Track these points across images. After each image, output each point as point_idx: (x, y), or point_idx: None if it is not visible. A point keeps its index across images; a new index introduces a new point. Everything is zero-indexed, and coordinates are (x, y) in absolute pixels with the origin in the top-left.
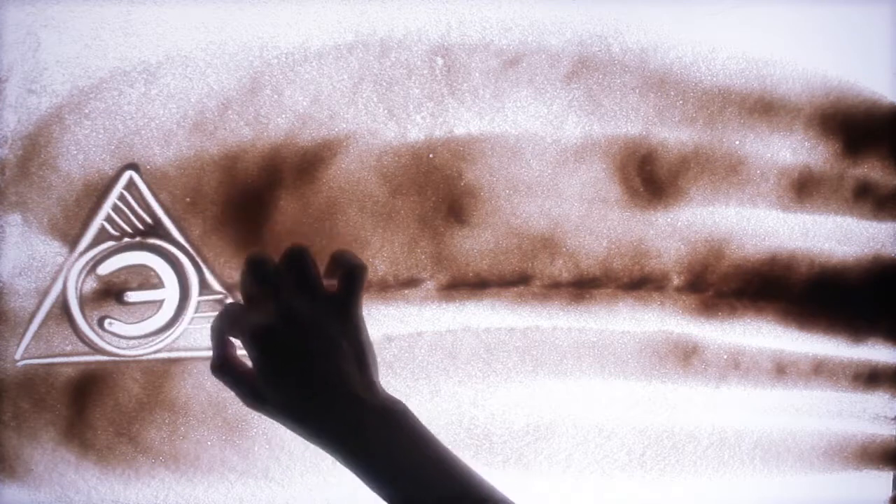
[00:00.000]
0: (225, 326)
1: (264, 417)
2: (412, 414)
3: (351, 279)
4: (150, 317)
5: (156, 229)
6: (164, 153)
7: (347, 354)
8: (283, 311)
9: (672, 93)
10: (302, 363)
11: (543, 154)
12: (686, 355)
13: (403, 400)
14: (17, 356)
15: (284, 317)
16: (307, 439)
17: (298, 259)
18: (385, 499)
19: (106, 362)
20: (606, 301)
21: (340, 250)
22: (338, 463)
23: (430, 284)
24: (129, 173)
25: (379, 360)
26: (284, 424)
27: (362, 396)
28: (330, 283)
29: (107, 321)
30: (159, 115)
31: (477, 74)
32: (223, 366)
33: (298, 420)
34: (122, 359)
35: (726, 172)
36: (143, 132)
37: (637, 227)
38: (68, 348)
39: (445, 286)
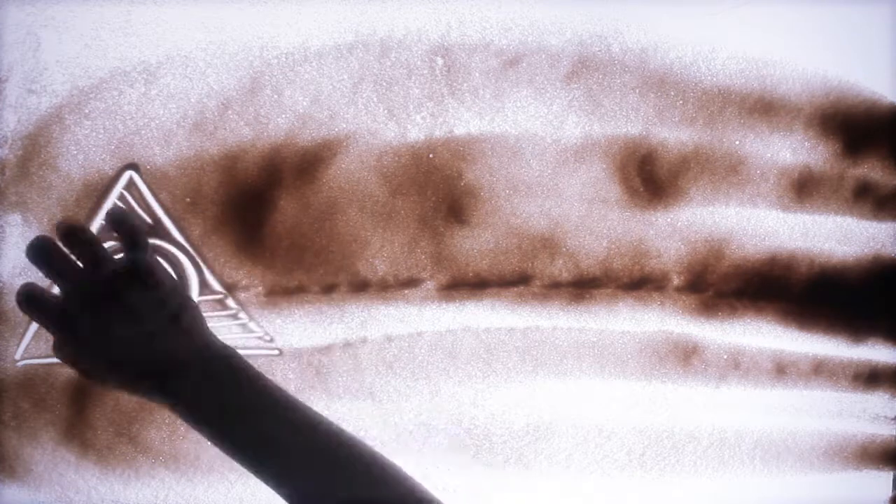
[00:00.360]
0: (26, 309)
1: None
2: (241, 359)
3: (130, 239)
4: None
5: (156, 229)
6: (164, 153)
7: (150, 314)
8: (69, 294)
9: (672, 93)
10: (100, 337)
11: (543, 154)
12: (686, 355)
13: (404, 400)
14: (17, 356)
15: (73, 298)
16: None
17: (75, 237)
18: (246, 463)
19: None
20: (606, 301)
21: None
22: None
23: (430, 284)
24: (129, 173)
25: (379, 360)
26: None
27: (172, 346)
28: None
29: None
30: (159, 115)
31: (477, 74)
32: (32, 304)
33: (122, 387)
34: None
35: (726, 172)
36: (143, 132)
37: (637, 227)
38: None
39: (445, 286)
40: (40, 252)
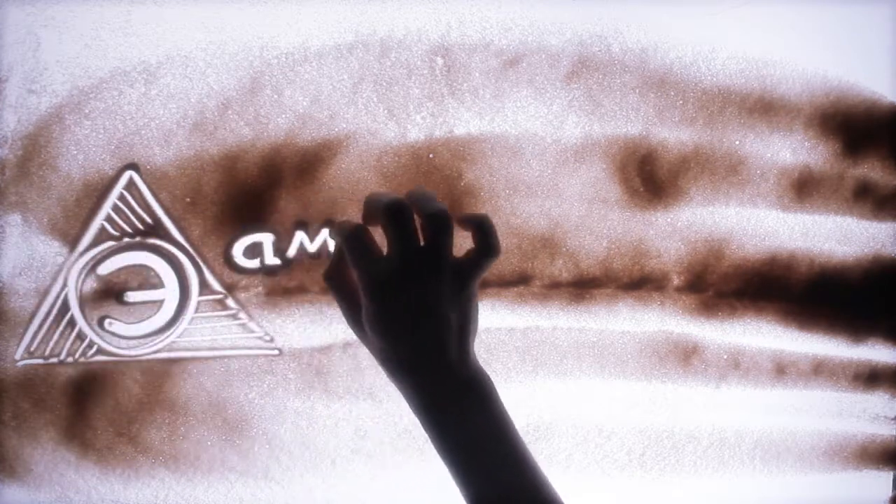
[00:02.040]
0: (347, 244)
1: (265, 417)
2: (494, 394)
3: (438, 229)
4: (150, 317)
5: (156, 229)
6: (164, 153)
7: (451, 323)
8: (408, 266)
9: (672, 93)
10: (410, 323)
11: (543, 154)
12: (686, 355)
13: (403, 400)
14: (17, 356)
15: (407, 273)
16: (391, 380)
17: (438, 222)
18: (449, 466)
19: (106, 362)
20: (606, 301)
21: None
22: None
23: None
24: (129, 173)
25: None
26: (374, 356)
27: (451, 368)
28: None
29: (107, 321)
30: (159, 115)
31: (477, 74)
32: (334, 277)
33: (388, 367)
34: (122, 359)
35: (726, 172)
36: (143, 132)
37: (637, 227)
38: (68, 348)
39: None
40: (400, 211)
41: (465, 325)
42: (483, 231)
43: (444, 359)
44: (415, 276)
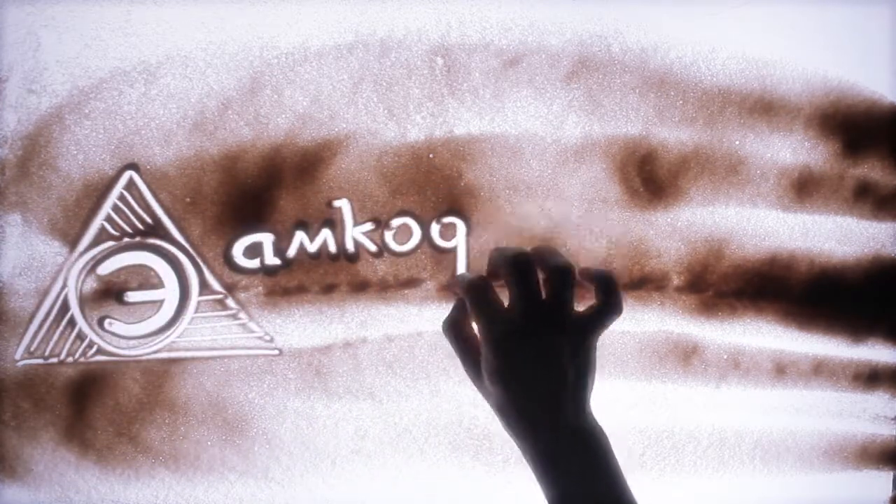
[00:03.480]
0: (471, 297)
1: (265, 417)
2: (608, 449)
3: (561, 284)
4: (150, 317)
5: (156, 229)
6: (164, 153)
7: (569, 378)
8: (530, 321)
9: (672, 93)
10: (528, 377)
11: (543, 154)
12: (686, 355)
13: (404, 400)
14: (17, 356)
15: (529, 327)
16: (505, 430)
17: (560, 276)
18: None
19: (106, 362)
20: None
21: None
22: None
23: (430, 284)
24: (129, 173)
25: (379, 360)
26: (490, 406)
27: (567, 423)
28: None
29: (107, 321)
30: (159, 115)
31: (477, 74)
32: (454, 327)
33: (504, 418)
34: (122, 359)
35: (726, 172)
36: (143, 132)
37: (637, 227)
38: (68, 348)
39: (445, 286)
40: (526, 265)
41: (582, 380)
42: (607, 288)
43: (560, 413)
44: (536, 331)
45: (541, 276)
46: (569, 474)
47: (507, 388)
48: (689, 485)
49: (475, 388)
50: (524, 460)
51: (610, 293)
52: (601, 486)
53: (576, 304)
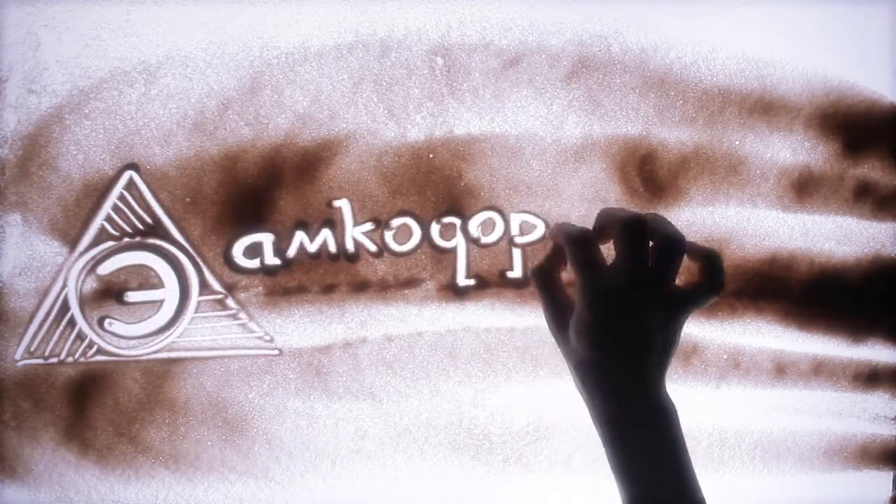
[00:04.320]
0: (575, 248)
1: (265, 417)
2: (678, 424)
3: (670, 253)
4: (150, 317)
5: (156, 229)
6: (164, 153)
7: (657, 347)
8: (632, 283)
9: (672, 93)
10: (620, 338)
11: (543, 154)
12: (686, 355)
13: (404, 400)
14: (17, 356)
15: (631, 289)
16: (578, 388)
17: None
18: (618, 477)
19: (106, 362)
20: None
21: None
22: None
23: (430, 284)
24: (129, 173)
25: (379, 360)
26: (567, 362)
27: (646, 389)
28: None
29: (107, 321)
30: (159, 115)
31: (477, 74)
32: (545, 276)
33: (581, 374)
34: (122, 359)
35: (726, 172)
36: (143, 132)
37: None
38: (68, 348)
39: (445, 286)
40: (640, 227)
41: (667, 352)
42: (712, 266)
43: (642, 379)
44: (636, 295)
45: (649, 243)
46: (642, 445)
47: (593, 346)
48: None
49: (555, 342)
50: (595, 426)
51: (714, 273)
52: (671, 461)
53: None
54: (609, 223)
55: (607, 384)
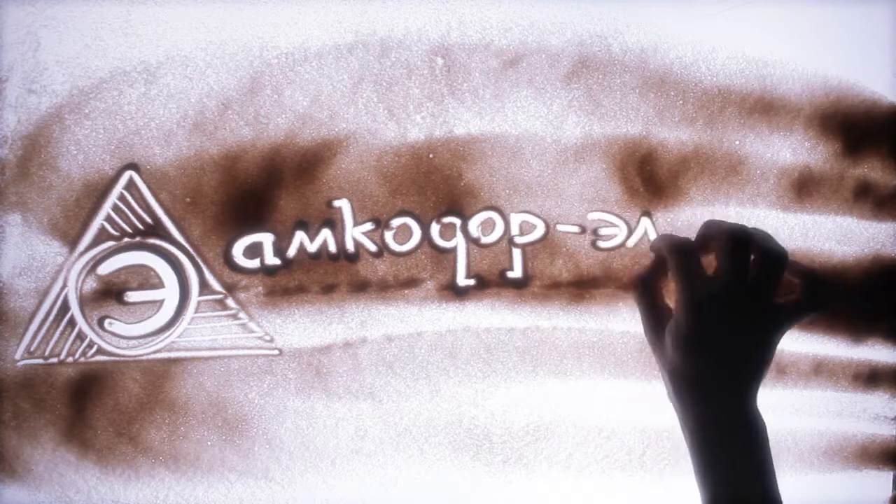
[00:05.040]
0: (678, 258)
1: (265, 417)
2: (767, 439)
3: (772, 268)
4: (150, 317)
5: (156, 229)
6: (164, 153)
7: (753, 360)
8: (733, 295)
9: (672, 93)
10: (716, 348)
11: (543, 154)
12: None
13: (404, 400)
14: (17, 356)
15: (731, 301)
16: (669, 395)
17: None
18: (702, 486)
19: (106, 362)
20: (606, 301)
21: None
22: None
23: (430, 284)
24: (129, 173)
25: (379, 360)
26: (661, 369)
27: (739, 401)
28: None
29: (107, 321)
30: (159, 115)
31: (477, 74)
32: (644, 284)
33: (675, 382)
34: (122, 359)
35: (726, 172)
36: (143, 132)
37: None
38: (68, 348)
39: (445, 286)
40: (745, 240)
41: (761, 366)
42: (812, 284)
43: (734, 389)
44: (737, 307)
45: (751, 256)
46: (729, 454)
47: (691, 354)
48: (689, 485)
49: (651, 349)
50: (684, 433)
51: (814, 291)
52: (756, 473)
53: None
54: (712, 234)
55: (700, 392)
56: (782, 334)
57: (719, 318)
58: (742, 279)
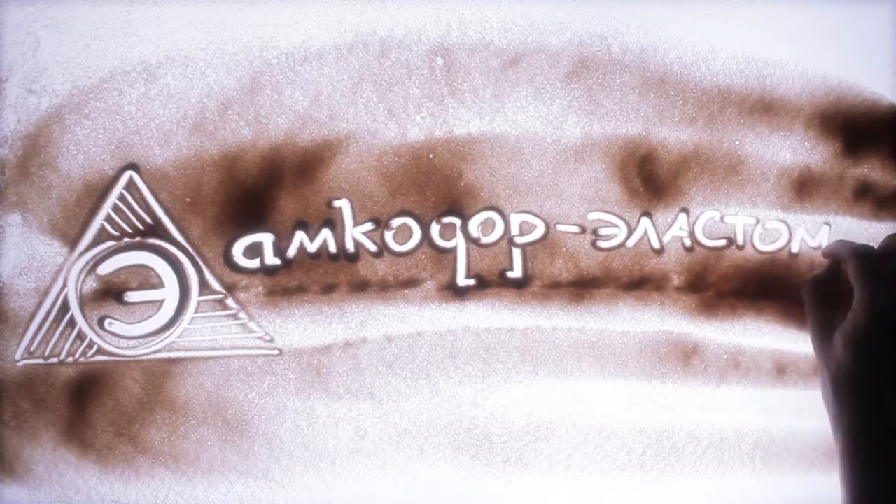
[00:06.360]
0: (859, 260)
1: (265, 417)
2: None
3: None
4: (150, 317)
5: (156, 229)
6: (164, 153)
7: None
8: None
9: (672, 93)
10: (890, 353)
11: (543, 154)
12: (686, 355)
13: (404, 400)
14: (17, 356)
15: None
16: (826, 397)
17: None
18: (848, 481)
19: (106, 362)
20: (606, 301)
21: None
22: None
23: (430, 284)
24: (129, 173)
25: (379, 360)
26: (824, 369)
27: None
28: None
29: (107, 321)
30: (159, 115)
31: (477, 74)
32: (817, 286)
33: (838, 382)
34: (122, 359)
35: (726, 172)
36: (143, 132)
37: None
38: (68, 348)
39: (445, 286)
40: None
41: None
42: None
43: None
44: None
45: None
46: (883, 461)
47: (860, 356)
48: (689, 485)
49: (816, 351)
50: (836, 434)
51: None
52: None
53: None
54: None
55: (862, 394)
56: None
57: None
58: None
